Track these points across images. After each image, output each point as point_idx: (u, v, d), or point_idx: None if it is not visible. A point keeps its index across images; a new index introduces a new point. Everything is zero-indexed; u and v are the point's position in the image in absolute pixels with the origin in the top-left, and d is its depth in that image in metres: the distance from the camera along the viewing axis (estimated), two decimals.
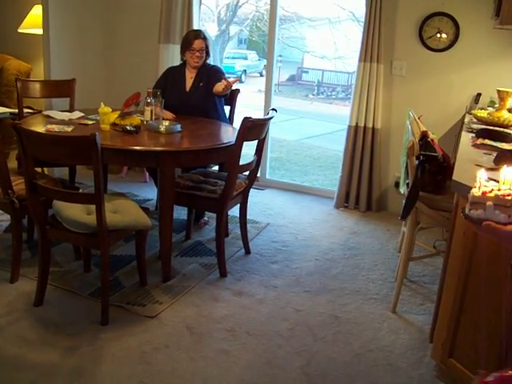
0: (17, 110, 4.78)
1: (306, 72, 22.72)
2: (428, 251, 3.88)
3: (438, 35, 4.69)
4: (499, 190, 1.44)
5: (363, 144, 5.04)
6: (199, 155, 3.38)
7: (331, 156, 9.20)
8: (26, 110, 4.84)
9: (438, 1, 4.63)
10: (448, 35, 4.65)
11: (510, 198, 1.39)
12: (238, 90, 4.69)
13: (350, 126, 5.04)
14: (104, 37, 5.76)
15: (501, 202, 1.39)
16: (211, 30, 10.92)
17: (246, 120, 3.34)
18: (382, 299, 3.55)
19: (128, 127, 3.60)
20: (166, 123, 3.77)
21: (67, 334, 2.92)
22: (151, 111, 3.83)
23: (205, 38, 4.29)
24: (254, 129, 3.46)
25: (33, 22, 5.35)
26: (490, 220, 1.41)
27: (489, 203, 1.40)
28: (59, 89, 4.65)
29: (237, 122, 4.60)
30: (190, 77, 4.35)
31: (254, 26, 14.48)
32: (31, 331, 2.91)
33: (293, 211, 5.10)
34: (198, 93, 4.31)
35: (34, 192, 2.91)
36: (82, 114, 4.08)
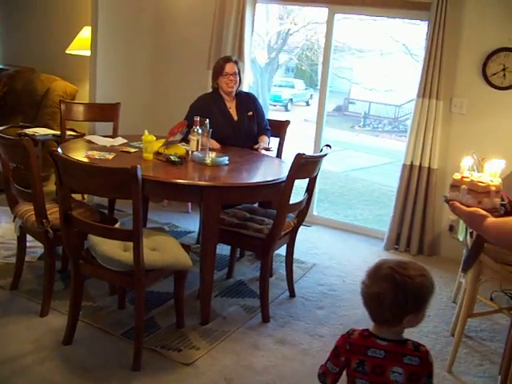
0: (59, 132, 4.68)
1: (353, 103, 22.49)
2: (488, 306, 3.54)
3: (503, 72, 4.39)
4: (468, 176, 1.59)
5: (418, 184, 4.74)
6: (246, 192, 3.16)
7: (376, 190, 8.93)
8: (68, 133, 4.74)
9: (504, 36, 4.35)
10: None
11: (482, 184, 1.55)
12: (288, 122, 4.48)
13: (404, 165, 4.75)
14: (152, 62, 5.64)
15: (473, 187, 1.56)
16: (261, 58, 10.79)
17: (299, 156, 3.11)
18: (436, 356, 3.22)
19: (172, 157, 3.40)
20: (213, 155, 3.56)
21: (95, 378, 2.71)
22: (197, 141, 3.63)
23: (236, 62, 4.12)
24: (307, 166, 3.23)
25: (81, 44, 5.26)
26: (461, 202, 1.61)
27: (463, 187, 1.59)
28: (103, 112, 4.52)
29: (284, 155, 4.41)
30: (229, 106, 4.16)
31: (304, 55, 14.34)
32: (57, 373, 2.71)
33: (340, 251, 4.81)
34: (247, 122, 4.12)
35: (69, 224, 2.72)
36: (125, 141, 3.92)
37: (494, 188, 1.64)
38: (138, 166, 2.41)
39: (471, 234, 2.98)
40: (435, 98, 4.53)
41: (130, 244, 2.63)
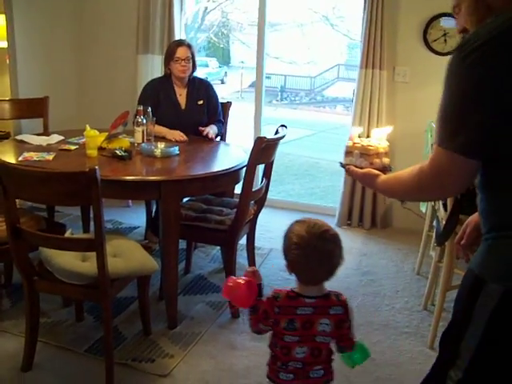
0: None
1: (269, 77, 22.42)
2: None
3: (444, 38, 4.34)
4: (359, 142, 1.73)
5: None
6: (207, 183, 2.93)
7: (303, 163, 8.93)
8: None
9: (443, 1, 4.29)
10: (455, 38, 4.30)
11: (371, 148, 1.63)
12: (229, 103, 4.27)
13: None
14: (76, 49, 5.24)
15: (365, 151, 1.68)
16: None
17: (261, 140, 2.91)
18: (414, 333, 3.17)
19: (118, 152, 3.13)
20: (162, 145, 3.31)
21: None
22: (143, 132, 3.36)
23: (189, 46, 3.84)
24: (268, 150, 3.05)
25: None
26: (355, 165, 1.70)
27: (356, 151, 1.75)
28: (30, 108, 4.13)
29: (228, 138, 4.21)
30: (179, 92, 3.90)
31: (220, 32, 14.01)
32: None
33: None
34: (196, 111, 3.87)
35: (18, 238, 2.42)
36: (62, 138, 3.59)
37: (382, 150, 1.76)
38: (97, 167, 2.13)
39: (444, 206, 2.89)
40: (378, 68, 4.43)
41: (89, 253, 2.37)
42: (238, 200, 3.41)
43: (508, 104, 1.23)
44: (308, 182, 7.51)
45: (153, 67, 4.91)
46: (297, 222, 1.78)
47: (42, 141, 3.48)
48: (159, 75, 4.80)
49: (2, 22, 4.67)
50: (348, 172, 1.82)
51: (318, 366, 1.83)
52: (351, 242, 4.50)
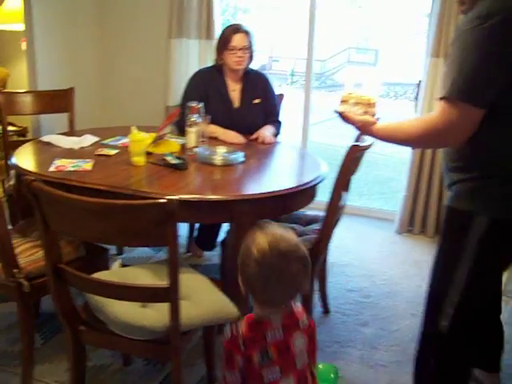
0: None
1: (277, 61, 21.79)
2: None
3: None
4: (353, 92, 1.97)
5: (434, 152, 4.09)
6: (288, 201, 2.37)
7: (328, 149, 8.34)
8: (9, 128, 3.76)
9: None
10: None
11: (365, 97, 1.93)
12: (282, 96, 3.71)
13: None
14: (98, 33, 4.63)
15: (359, 100, 1.93)
16: None
17: (355, 148, 2.35)
18: None
19: (170, 159, 2.57)
20: (222, 150, 2.75)
21: None
22: (197, 133, 2.80)
23: (247, 34, 3.24)
24: (358, 159, 2.48)
25: (7, 17, 4.22)
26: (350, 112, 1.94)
27: (351, 100, 1.94)
28: (54, 102, 3.58)
29: None
30: (232, 88, 3.32)
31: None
32: None
33: (352, 242, 4.14)
34: (251, 111, 3.30)
35: (61, 280, 1.87)
36: (96, 139, 3.03)
37: (373, 101, 1.93)
38: (177, 197, 1.57)
39: None
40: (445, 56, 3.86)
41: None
42: (308, 213, 2.89)
43: None
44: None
45: (188, 53, 4.33)
46: (261, 230, 1.49)
47: (73, 143, 2.92)
48: (195, 63, 4.25)
49: (15, 4, 4.08)
50: (345, 118, 1.96)
51: None
52: (416, 253, 3.97)
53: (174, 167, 2.53)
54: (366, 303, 3.26)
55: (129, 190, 2.24)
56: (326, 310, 3.10)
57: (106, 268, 2.39)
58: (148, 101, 4.53)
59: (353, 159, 2.38)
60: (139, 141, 2.55)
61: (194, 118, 2.78)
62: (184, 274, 2.12)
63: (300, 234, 2.70)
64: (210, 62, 4.24)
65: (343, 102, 1.97)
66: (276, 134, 3.36)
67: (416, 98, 4.15)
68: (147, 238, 1.66)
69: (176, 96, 4.39)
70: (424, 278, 3.55)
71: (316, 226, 2.79)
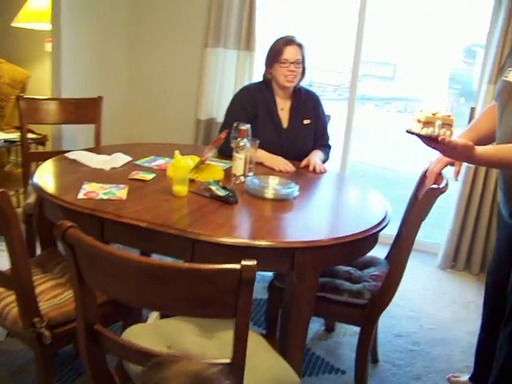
0: (15, 136, 3.44)
1: None
2: None
3: None
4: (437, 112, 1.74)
5: (484, 184, 3.78)
6: (355, 247, 2.05)
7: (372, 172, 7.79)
8: (29, 136, 3.46)
9: None
10: None
11: (451, 117, 1.73)
12: (329, 117, 3.39)
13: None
14: (131, 38, 4.31)
15: (446, 121, 1.72)
16: None
17: (434, 192, 2.04)
18: None
19: (218, 190, 2.25)
20: (275, 182, 2.42)
21: None
22: (245, 160, 2.47)
23: (300, 47, 2.93)
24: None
25: (32, 15, 3.91)
26: (437, 136, 1.71)
27: (438, 122, 1.72)
28: (81, 111, 3.26)
29: None
30: (281, 107, 3.00)
31: None
32: None
33: None
34: (301, 132, 2.99)
35: (96, 344, 1.55)
36: (129, 159, 2.71)
37: (453, 119, 1.75)
38: (252, 262, 1.25)
39: None
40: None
41: (204, 343, 1.52)
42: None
43: None
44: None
45: (224, 64, 4.01)
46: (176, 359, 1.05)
47: (103, 163, 2.60)
48: (231, 75, 3.94)
49: (43, 2, 3.78)
50: (444, 142, 1.72)
51: None
52: (464, 293, 3.68)
53: (223, 200, 2.21)
54: (417, 352, 2.94)
55: (175, 229, 1.92)
56: (374, 360, 2.78)
57: (140, 314, 2.09)
58: (178, 114, 4.22)
59: (430, 204, 2.06)
60: (183, 168, 2.23)
61: (243, 142, 2.45)
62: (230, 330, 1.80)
63: (357, 280, 2.38)
64: (247, 74, 3.95)
65: (427, 123, 1.74)
66: (325, 160, 3.05)
67: (468, 123, 3.82)
68: (212, 308, 1.33)
69: (208, 109, 4.10)
70: (474, 323, 3.26)
71: (374, 271, 2.47)
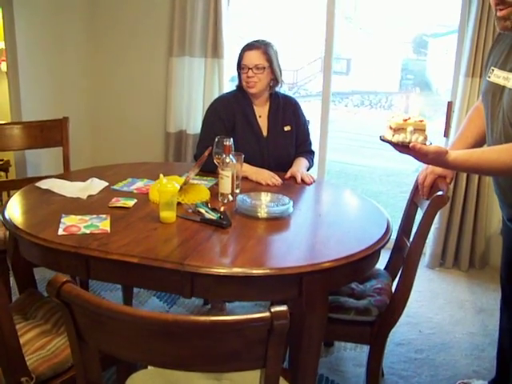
0: None
1: None
2: None
3: None
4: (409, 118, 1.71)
5: (468, 181, 3.71)
6: (359, 265, 1.91)
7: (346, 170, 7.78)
8: None
9: None
10: None
11: (423, 122, 1.70)
12: (308, 122, 3.25)
13: None
14: (92, 51, 4.11)
15: (418, 127, 1.69)
16: None
17: (442, 200, 1.92)
18: None
19: (206, 212, 2.09)
20: (267, 199, 2.27)
21: None
22: (232, 177, 2.31)
23: (264, 51, 2.77)
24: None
25: None
26: (408, 143, 1.68)
27: (410, 128, 1.68)
28: (46, 134, 3.03)
29: None
30: (259, 113, 2.86)
31: None
32: None
33: None
34: (282, 140, 2.85)
35: None
36: (105, 184, 2.51)
37: (425, 124, 1.72)
38: (284, 308, 1.10)
39: None
40: (478, 76, 3.49)
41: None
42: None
43: None
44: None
45: (191, 73, 3.84)
46: None
47: (79, 191, 2.40)
48: (200, 84, 3.78)
49: None
50: (415, 149, 1.69)
51: None
52: (457, 292, 3.61)
53: (215, 224, 2.05)
54: (421, 360, 2.83)
55: (171, 263, 1.75)
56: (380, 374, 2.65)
57: None
58: (147, 128, 4.03)
59: (436, 213, 1.95)
60: (170, 192, 2.06)
61: (229, 159, 2.29)
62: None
63: (360, 295, 2.25)
64: (217, 82, 3.80)
65: (398, 130, 1.70)
66: (309, 167, 2.91)
67: (447, 119, 3.75)
68: (238, 362, 1.17)
69: (177, 121, 3.93)
70: (473, 323, 3.18)
71: (376, 283, 2.35)
